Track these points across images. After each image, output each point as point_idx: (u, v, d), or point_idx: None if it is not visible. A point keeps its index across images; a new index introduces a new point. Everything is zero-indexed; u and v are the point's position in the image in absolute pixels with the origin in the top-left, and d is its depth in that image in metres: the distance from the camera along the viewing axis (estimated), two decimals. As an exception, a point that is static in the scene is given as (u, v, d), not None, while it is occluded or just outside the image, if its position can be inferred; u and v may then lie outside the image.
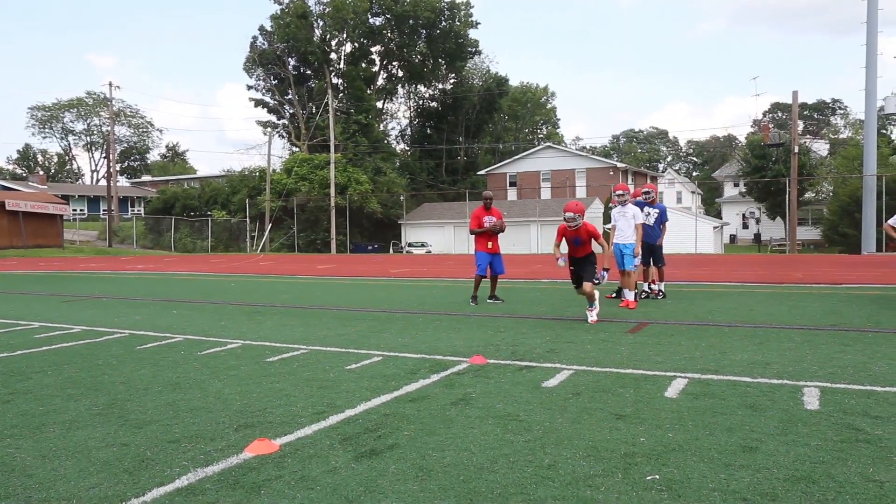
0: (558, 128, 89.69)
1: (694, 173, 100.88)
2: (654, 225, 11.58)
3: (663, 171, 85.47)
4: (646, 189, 11.88)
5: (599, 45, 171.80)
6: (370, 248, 46.24)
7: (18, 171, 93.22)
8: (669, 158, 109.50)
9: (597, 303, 9.01)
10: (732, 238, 57.78)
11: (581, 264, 9.09)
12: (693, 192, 72.10)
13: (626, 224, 10.81)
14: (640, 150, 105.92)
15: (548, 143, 63.28)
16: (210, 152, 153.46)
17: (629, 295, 10.55)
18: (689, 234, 36.86)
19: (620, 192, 11.04)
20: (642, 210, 11.48)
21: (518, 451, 3.87)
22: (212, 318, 9.98)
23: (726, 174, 65.37)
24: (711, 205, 74.99)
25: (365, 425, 4.43)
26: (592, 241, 8.99)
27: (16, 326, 9.48)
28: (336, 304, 11.76)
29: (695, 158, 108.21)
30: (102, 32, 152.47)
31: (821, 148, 59.26)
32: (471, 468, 3.63)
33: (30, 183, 71.22)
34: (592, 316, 8.91)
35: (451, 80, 66.17)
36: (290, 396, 5.22)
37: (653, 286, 12.32)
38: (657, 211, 11.68)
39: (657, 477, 3.45)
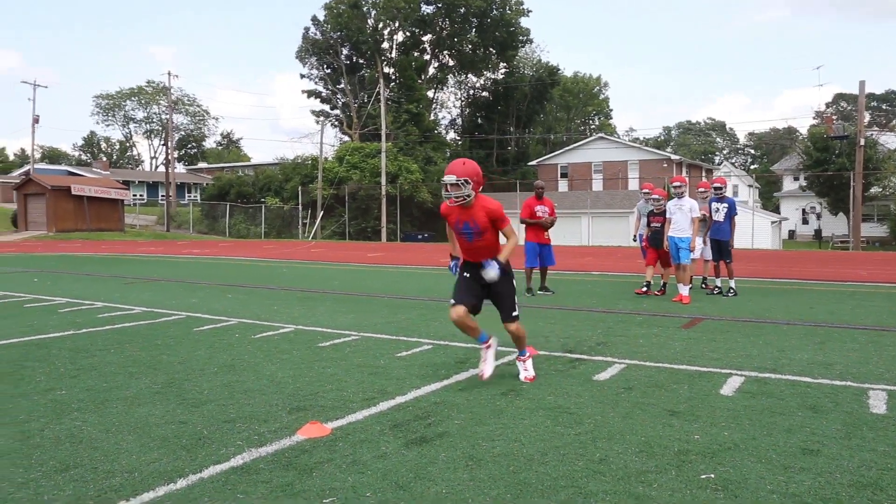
0: (611, 118, 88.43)
1: (752, 166, 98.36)
2: (724, 220, 11.24)
3: (719, 164, 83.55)
4: (716, 184, 11.46)
5: (654, 35, 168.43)
6: (420, 236, 46.43)
7: (83, 157, 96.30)
8: (726, 151, 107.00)
9: (527, 352, 5.49)
10: (791, 234, 56.18)
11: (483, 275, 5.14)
12: (750, 186, 70.34)
13: (683, 217, 10.59)
14: (695, 143, 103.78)
15: (600, 134, 62.45)
16: (264, 140, 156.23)
17: (684, 290, 10.35)
18: (746, 228, 35.97)
19: (677, 183, 10.82)
20: (710, 205, 11.24)
21: (569, 444, 3.84)
22: (265, 303, 10.16)
23: (786, 167, 63.51)
24: (769, 199, 73.02)
25: (415, 412, 4.45)
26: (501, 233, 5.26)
27: (81, 306, 9.81)
28: (386, 292, 11.84)
29: (752, 151, 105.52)
30: (163, 22, 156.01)
31: (889, 140, 57.06)
32: (521, 459, 3.61)
33: (93, 169, 73.52)
34: (524, 374, 5.38)
35: (502, 70, 65.75)
36: (342, 381, 5.28)
37: (708, 281, 12.10)
38: (726, 205, 11.27)
39: (712, 476, 3.38)
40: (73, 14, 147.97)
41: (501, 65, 65.35)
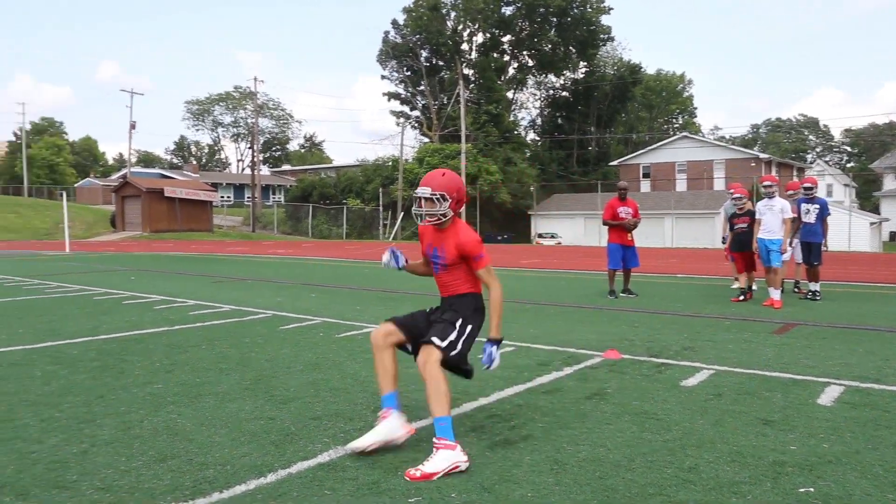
0: (695, 117, 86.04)
1: (848, 164, 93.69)
2: (816, 222, 10.76)
3: (812, 163, 79.98)
4: (806, 184, 10.98)
5: (741, 29, 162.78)
6: (500, 238, 46.35)
7: (175, 160, 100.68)
8: (819, 149, 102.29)
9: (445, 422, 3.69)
10: (893, 235, 53.20)
11: (442, 309, 4.15)
12: (846, 185, 66.99)
13: (773, 218, 10.18)
14: (785, 141, 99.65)
15: (684, 133, 60.82)
16: (345, 142, 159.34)
17: (775, 294, 9.95)
18: (843, 230, 34.33)
19: (768, 183, 10.40)
20: (800, 207, 10.78)
21: (656, 451, 3.75)
22: (348, 303, 10.34)
23: (887, 165, 60.20)
24: (868, 199, 69.36)
25: (499, 415, 4.44)
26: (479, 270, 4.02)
27: (174, 303, 10.24)
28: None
29: (849, 148, 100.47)
30: (249, 30, 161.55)
31: None
32: (607, 465, 3.55)
33: (184, 171, 76.75)
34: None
35: (583, 69, 64.93)
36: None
37: (800, 285, 11.62)
38: (818, 206, 10.78)
39: (812, 490, 3.22)
40: (166, 23, 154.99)
41: (582, 64, 64.55)
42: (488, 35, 59.52)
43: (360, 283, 13.69)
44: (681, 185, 51.69)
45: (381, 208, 49.63)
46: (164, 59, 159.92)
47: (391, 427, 3.79)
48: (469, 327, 3.94)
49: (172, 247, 32.36)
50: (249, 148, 75.07)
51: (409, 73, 59.45)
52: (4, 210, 49.82)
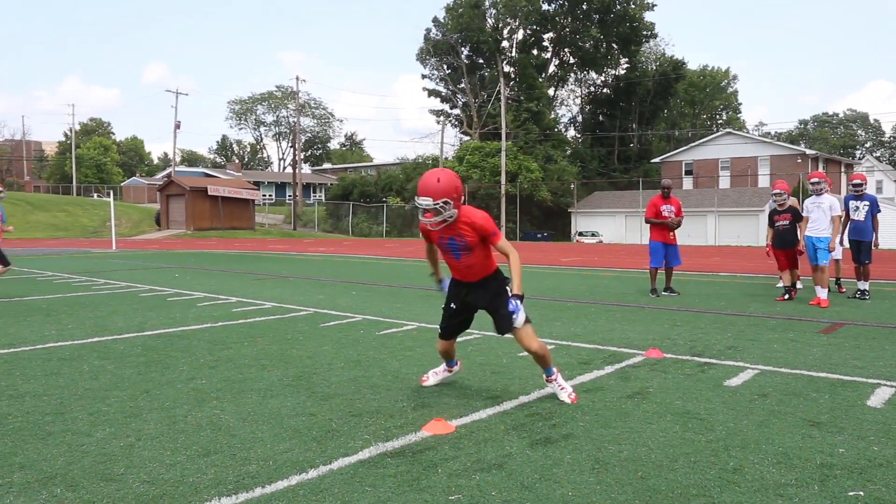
0: (739, 113, 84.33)
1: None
2: (865, 219, 10.46)
3: (861, 158, 77.81)
4: (855, 180, 10.67)
5: (787, 23, 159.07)
6: (539, 235, 46.12)
7: (218, 159, 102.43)
8: (869, 144, 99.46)
9: (554, 369, 4.73)
10: (944, 233, 51.48)
11: (478, 295, 4.69)
12: (897, 182, 65.04)
13: (821, 215, 9.93)
14: (833, 136, 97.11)
15: (728, 129, 59.66)
16: (385, 141, 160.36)
17: (822, 293, 9.70)
18: (891, 227, 33.32)
19: (815, 179, 10.15)
20: (848, 204, 10.51)
21: (699, 451, 3.68)
22: (388, 300, 10.39)
23: (939, 161, 58.20)
24: (919, 195, 67.24)
25: (539, 413, 4.41)
26: (493, 247, 4.58)
27: (217, 300, 10.42)
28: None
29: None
30: (290, 30, 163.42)
31: None
32: (649, 464, 3.50)
33: (227, 170, 78.06)
34: (565, 393, 4.68)
35: (625, 65, 64.17)
36: (465, 380, 5.32)
37: (840, 282, 11.37)
38: (867, 203, 10.48)
39: (861, 493, 3.14)
40: (211, 25, 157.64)
41: (623, 60, 63.79)
42: (529, 32, 59.24)
43: (400, 281, 13.75)
44: (724, 182, 50.76)
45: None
46: (209, 60, 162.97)
47: (450, 375, 5.25)
48: (508, 298, 4.55)
49: (215, 244, 32.94)
50: (291, 147, 76.01)
51: (449, 70, 59.46)
52: (54, 209, 51.28)
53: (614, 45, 61.13)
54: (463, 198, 4.49)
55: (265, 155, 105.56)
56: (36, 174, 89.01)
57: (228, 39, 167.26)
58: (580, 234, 46.99)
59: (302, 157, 72.56)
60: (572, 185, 50.86)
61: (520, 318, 4.42)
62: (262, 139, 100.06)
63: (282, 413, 4.45)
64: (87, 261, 20.86)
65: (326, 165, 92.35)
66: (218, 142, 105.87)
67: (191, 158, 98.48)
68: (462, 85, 58.74)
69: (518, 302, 4.43)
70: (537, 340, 4.56)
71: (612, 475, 3.37)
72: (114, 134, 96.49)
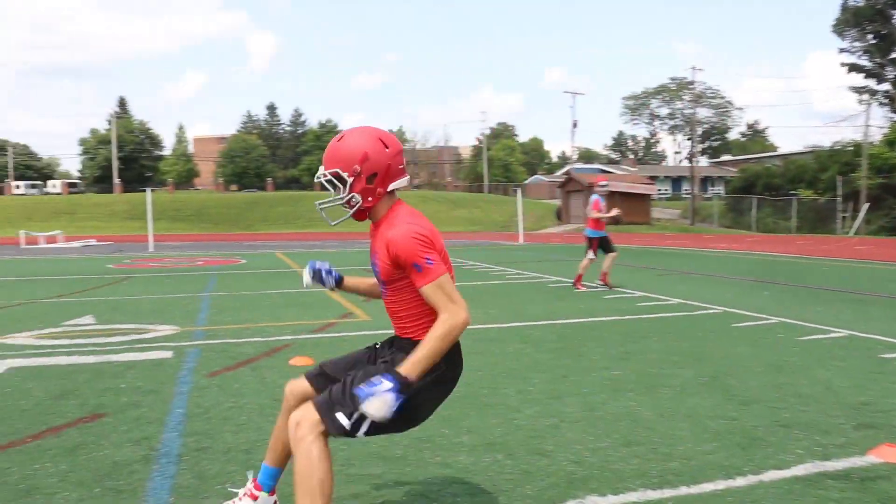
0: None
1: None
2: None
3: None
4: None
5: None
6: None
7: (612, 155, 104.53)
8: None
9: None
10: None
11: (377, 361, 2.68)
12: None
13: None
14: None
15: None
16: (793, 127, 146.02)
17: None
18: None
19: None
20: None
21: None
22: (806, 303, 9.41)
23: None
24: None
25: None
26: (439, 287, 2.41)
27: (622, 294, 10.58)
28: (961, 300, 9.82)
29: None
30: (686, 19, 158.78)
31: None
32: None
33: (621, 166, 79.18)
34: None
35: None
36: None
37: None
38: None
39: None
40: (605, 23, 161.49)
41: None
42: None
43: (818, 283, 12.35)
44: None
45: (839, 199, 44.24)
46: (604, 59, 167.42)
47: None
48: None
49: (613, 239, 33.58)
50: (687, 139, 73.87)
51: (875, 40, 51.55)
52: (470, 205, 57.81)
53: None
54: (392, 181, 2.53)
55: (660, 149, 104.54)
56: (455, 175, 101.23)
57: (623, 36, 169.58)
58: None
59: (699, 149, 70.04)
60: None
61: (370, 406, 2.23)
62: (656, 133, 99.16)
63: (700, 413, 4.31)
64: (498, 252, 23.01)
65: (725, 157, 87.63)
66: (613, 138, 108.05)
67: (587, 155, 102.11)
68: (893, 55, 50.44)
69: (389, 385, 2.24)
70: (321, 464, 2.32)
71: None
72: (517, 136, 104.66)
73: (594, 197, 11.60)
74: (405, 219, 2.48)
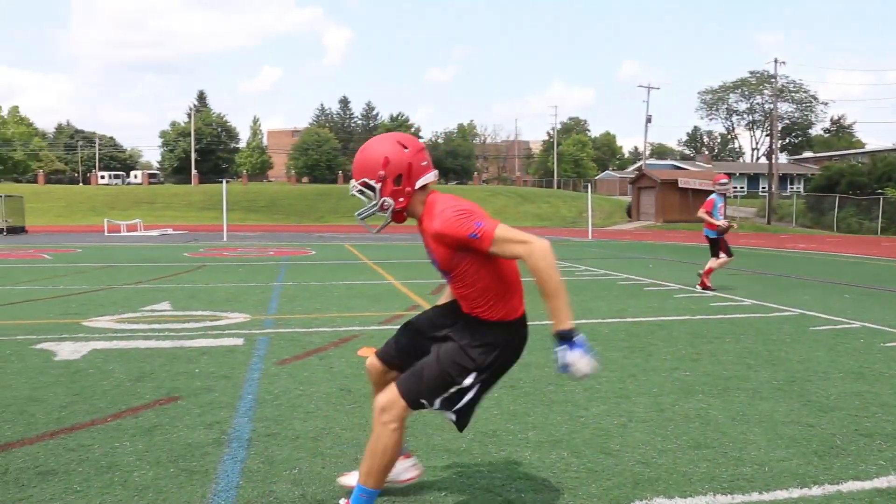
0: None
1: None
2: None
3: None
4: None
5: None
6: None
7: (686, 151, 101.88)
8: None
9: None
10: None
11: (421, 339, 2.83)
12: None
13: None
14: None
15: None
16: (882, 123, 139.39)
17: None
18: None
19: None
20: None
21: None
22: (891, 308, 8.98)
23: None
24: None
25: None
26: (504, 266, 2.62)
27: (694, 293, 10.31)
28: None
29: None
30: (769, 9, 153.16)
31: None
32: None
33: (696, 162, 77.06)
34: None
35: None
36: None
37: None
38: None
39: None
40: (683, 16, 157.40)
41: None
42: None
43: (904, 286, 11.77)
44: None
45: (928, 200, 41.99)
46: (681, 52, 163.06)
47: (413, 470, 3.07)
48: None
49: (685, 237, 32.80)
50: (767, 135, 71.47)
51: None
52: (539, 200, 57.37)
53: None
54: (419, 178, 2.62)
55: (736, 145, 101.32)
56: (524, 170, 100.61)
57: (702, 27, 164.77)
58: None
59: (778, 145, 67.64)
60: None
61: (581, 364, 2.40)
62: (733, 128, 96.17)
63: (774, 418, 4.17)
64: (567, 248, 22.78)
65: (807, 154, 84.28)
66: (688, 133, 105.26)
67: (660, 151, 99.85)
68: None
69: (566, 349, 2.41)
70: (393, 451, 2.57)
71: None
72: (589, 131, 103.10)
73: (711, 196, 10.77)
74: (441, 205, 2.56)
